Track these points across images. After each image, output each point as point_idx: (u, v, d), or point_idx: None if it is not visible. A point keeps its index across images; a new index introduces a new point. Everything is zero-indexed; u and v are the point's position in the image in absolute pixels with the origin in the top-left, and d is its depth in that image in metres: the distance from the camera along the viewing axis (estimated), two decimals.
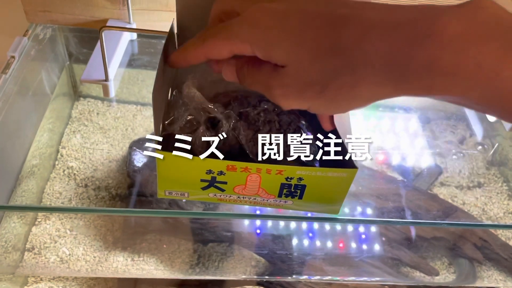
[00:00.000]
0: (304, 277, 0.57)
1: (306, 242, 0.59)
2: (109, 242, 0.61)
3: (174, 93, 0.39)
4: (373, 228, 0.62)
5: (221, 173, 0.39)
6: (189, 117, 0.38)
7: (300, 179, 0.39)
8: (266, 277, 0.60)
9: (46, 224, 0.62)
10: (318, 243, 0.59)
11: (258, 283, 0.60)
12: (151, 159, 0.65)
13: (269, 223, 0.60)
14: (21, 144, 0.64)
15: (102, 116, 0.76)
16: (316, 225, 0.60)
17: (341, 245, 0.60)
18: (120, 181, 0.68)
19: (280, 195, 0.41)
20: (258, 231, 0.60)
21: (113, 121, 0.76)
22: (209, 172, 0.38)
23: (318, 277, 0.57)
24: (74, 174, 0.68)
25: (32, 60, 0.65)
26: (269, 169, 0.38)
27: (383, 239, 0.62)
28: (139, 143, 0.65)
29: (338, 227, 0.61)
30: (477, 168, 0.77)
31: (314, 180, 0.40)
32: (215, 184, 0.40)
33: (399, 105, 0.80)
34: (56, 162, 0.69)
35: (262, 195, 0.41)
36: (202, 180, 0.39)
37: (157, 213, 0.55)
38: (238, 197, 0.41)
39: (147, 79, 0.83)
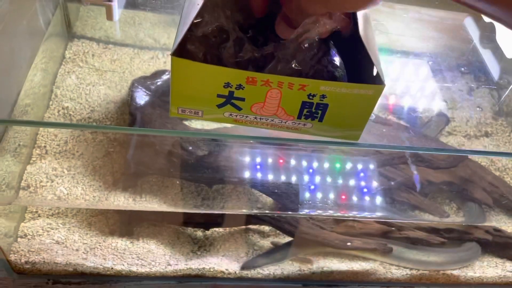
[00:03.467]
0: (311, 212, 0.56)
1: (315, 178, 0.57)
2: (109, 183, 0.59)
3: None
4: (382, 170, 0.60)
5: (239, 86, 0.36)
6: (219, 25, 0.35)
7: (323, 96, 0.37)
8: (267, 212, 0.58)
9: (42, 163, 0.59)
10: (328, 179, 0.57)
11: (265, 221, 0.58)
12: (154, 97, 0.62)
13: (276, 158, 0.58)
14: (13, 81, 0.60)
15: (97, 58, 0.72)
16: (326, 163, 0.58)
17: (350, 183, 0.58)
18: (119, 123, 0.65)
19: (299, 116, 0.39)
20: (258, 166, 0.58)
21: (109, 63, 0.72)
22: (227, 85, 0.36)
23: (324, 212, 0.55)
24: (70, 114, 0.65)
25: None
26: (291, 82, 0.36)
27: (392, 183, 0.61)
28: (142, 81, 0.61)
29: (349, 165, 0.60)
30: (485, 118, 0.75)
31: (338, 99, 0.37)
32: (232, 100, 0.37)
33: (410, 50, 0.77)
34: (50, 102, 0.66)
35: (280, 115, 0.39)
36: (218, 96, 0.37)
37: (154, 131, 0.52)
38: (255, 117, 0.39)
39: (144, 22, 0.79)
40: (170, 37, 0.78)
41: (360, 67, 0.39)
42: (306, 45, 0.36)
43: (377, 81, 0.37)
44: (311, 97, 0.37)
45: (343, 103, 0.38)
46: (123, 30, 0.78)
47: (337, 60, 0.39)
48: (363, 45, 0.36)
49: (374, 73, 0.38)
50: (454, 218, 0.62)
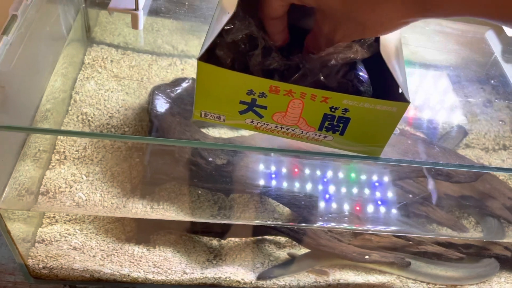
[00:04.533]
0: (329, 225, 0.56)
1: (334, 189, 0.57)
2: (127, 190, 0.59)
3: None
4: (402, 183, 0.60)
5: (262, 95, 0.36)
6: (248, 33, 0.35)
7: (346, 110, 0.37)
8: (281, 223, 0.58)
9: (61, 169, 0.59)
10: (347, 191, 0.57)
11: (283, 232, 0.58)
12: (174, 104, 0.62)
13: (294, 168, 0.57)
14: (36, 86, 0.60)
15: (116, 64, 0.73)
16: (345, 175, 0.58)
17: (368, 196, 0.58)
18: (137, 129, 0.65)
19: (320, 128, 0.39)
20: (275, 176, 0.58)
21: (127, 69, 0.73)
22: (250, 92, 0.36)
23: (342, 225, 0.55)
24: (89, 120, 0.65)
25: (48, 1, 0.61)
26: (314, 94, 0.36)
27: (410, 196, 0.61)
28: (161, 89, 0.62)
29: (363, 176, 0.59)
30: (503, 131, 0.75)
31: (360, 113, 0.37)
32: (254, 108, 0.37)
33: (431, 62, 0.77)
34: (70, 108, 0.66)
35: (301, 126, 0.39)
36: (241, 102, 0.37)
37: (172, 142, 0.52)
38: (276, 126, 0.39)
39: (162, 28, 0.80)
40: (188, 44, 0.78)
41: (385, 84, 0.39)
42: (332, 62, 0.36)
43: (401, 98, 0.36)
44: (333, 110, 0.37)
45: (366, 118, 0.37)
46: (141, 36, 0.78)
47: (363, 75, 0.39)
48: (385, 63, 0.36)
49: (399, 91, 0.37)
50: (473, 233, 0.61)
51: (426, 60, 0.77)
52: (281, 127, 0.39)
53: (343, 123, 0.38)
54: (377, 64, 0.37)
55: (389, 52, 0.37)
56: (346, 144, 0.40)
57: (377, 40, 0.36)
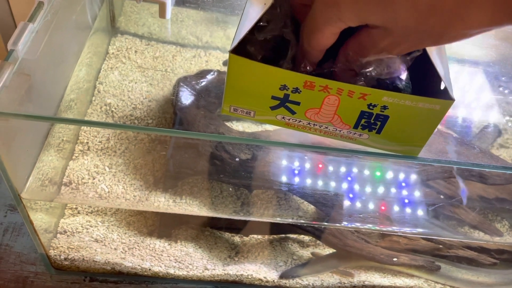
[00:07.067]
0: (356, 225, 0.54)
1: (362, 188, 0.55)
2: (150, 182, 0.58)
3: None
4: (432, 184, 0.57)
5: (296, 90, 0.34)
6: (281, 35, 0.34)
7: (385, 107, 0.35)
8: (303, 222, 0.56)
9: (84, 160, 0.59)
10: (374, 190, 0.55)
11: (309, 231, 0.56)
12: (199, 97, 0.61)
13: (322, 166, 0.56)
14: (61, 75, 0.59)
15: (140, 55, 0.72)
16: (373, 174, 0.56)
17: (398, 196, 0.56)
18: (160, 121, 0.64)
19: (356, 126, 0.37)
20: (299, 172, 0.56)
21: (151, 60, 0.72)
22: (283, 87, 0.34)
23: (370, 225, 0.53)
24: (112, 111, 0.64)
25: None
26: (352, 90, 0.34)
27: (441, 197, 0.58)
28: (186, 80, 0.60)
29: (390, 174, 0.57)
30: None
31: (400, 111, 0.35)
32: (287, 103, 0.36)
33: (469, 58, 0.74)
34: (93, 98, 0.65)
35: (335, 123, 0.37)
36: (273, 98, 0.35)
37: (193, 134, 0.51)
38: (309, 123, 0.37)
39: (187, 19, 0.78)
40: (213, 35, 0.77)
41: (426, 80, 0.37)
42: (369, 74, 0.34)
43: (445, 95, 0.34)
44: (371, 107, 0.35)
45: (406, 116, 0.35)
46: (166, 27, 0.77)
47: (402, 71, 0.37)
48: (429, 59, 0.34)
49: (442, 87, 0.35)
50: (507, 237, 0.58)
51: (463, 55, 0.74)
52: (313, 124, 0.37)
53: (381, 121, 0.36)
54: (418, 59, 0.35)
55: (431, 48, 0.35)
56: (383, 143, 0.38)
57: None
